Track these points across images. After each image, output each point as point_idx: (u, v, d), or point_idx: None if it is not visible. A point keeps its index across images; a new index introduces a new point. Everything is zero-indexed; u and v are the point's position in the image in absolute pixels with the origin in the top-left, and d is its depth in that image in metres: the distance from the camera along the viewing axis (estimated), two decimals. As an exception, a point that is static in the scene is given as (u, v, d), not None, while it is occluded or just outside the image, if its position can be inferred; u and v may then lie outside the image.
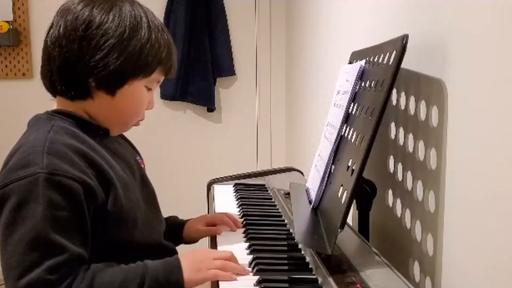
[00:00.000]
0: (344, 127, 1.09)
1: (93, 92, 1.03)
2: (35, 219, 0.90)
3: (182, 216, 1.34)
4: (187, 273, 0.96)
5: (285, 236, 1.18)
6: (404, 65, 0.92)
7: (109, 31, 1.00)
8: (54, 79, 1.03)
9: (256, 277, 0.95)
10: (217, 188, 1.63)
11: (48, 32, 1.05)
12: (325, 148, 1.16)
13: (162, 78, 1.11)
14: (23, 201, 0.91)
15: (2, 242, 0.92)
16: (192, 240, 1.29)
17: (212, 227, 1.26)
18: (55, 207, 0.91)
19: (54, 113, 1.05)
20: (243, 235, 1.20)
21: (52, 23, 1.04)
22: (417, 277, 1.00)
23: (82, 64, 1.00)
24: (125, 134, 1.21)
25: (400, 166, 1.07)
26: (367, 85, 1.04)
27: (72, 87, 1.03)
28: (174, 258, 1.00)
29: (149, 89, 1.09)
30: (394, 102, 1.10)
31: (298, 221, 1.12)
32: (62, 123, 1.01)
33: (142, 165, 1.19)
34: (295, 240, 1.10)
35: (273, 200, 1.49)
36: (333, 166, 1.08)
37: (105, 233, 0.99)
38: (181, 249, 1.17)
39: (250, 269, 1.00)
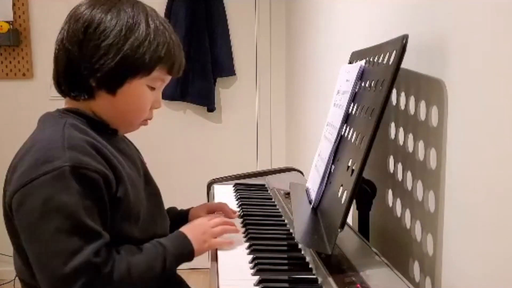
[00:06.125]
0: (344, 127, 1.09)
1: (95, 92, 1.06)
2: (69, 208, 0.93)
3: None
4: (194, 244, 1.08)
5: (285, 236, 1.18)
6: (404, 65, 0.91)
7: (106, 31, 1.02)
8: (60, 80, 1.07)
9: (256, 277, 0.95)
10: (217, 188, 1.63)
11: (58, 36, 1.07)
12: (325, 148, 1.16)
13: (166, 77, 1.12)
14: (52, 194, 0.93)
15: (30, 238, 0.94)
16: None
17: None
18: (84, 197, 0.94)
19: (66, 111, 1.07)
20: (243, 235, 1.20)
21: (62, 27, 1.07)
22: (417, 277, 1.00)
23: (83, 65, 1.03)
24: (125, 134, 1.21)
25: (400, 166, 1.07)
26: (367, 85, 1.04)
27: (75, 88, 1.06)
28: (180, 233, 1.10)
29: (152, 88, 1.10)
30: (394, 102, 1.10)
31: (298, 221, 1.12)
32: (73, 121, 1.04)
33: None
34: (295, 240, 1.10)
35: (273, 200, 1.49)
36: (333, 166, 1.08)
37: (110, 225, 1.01)
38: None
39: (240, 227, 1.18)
